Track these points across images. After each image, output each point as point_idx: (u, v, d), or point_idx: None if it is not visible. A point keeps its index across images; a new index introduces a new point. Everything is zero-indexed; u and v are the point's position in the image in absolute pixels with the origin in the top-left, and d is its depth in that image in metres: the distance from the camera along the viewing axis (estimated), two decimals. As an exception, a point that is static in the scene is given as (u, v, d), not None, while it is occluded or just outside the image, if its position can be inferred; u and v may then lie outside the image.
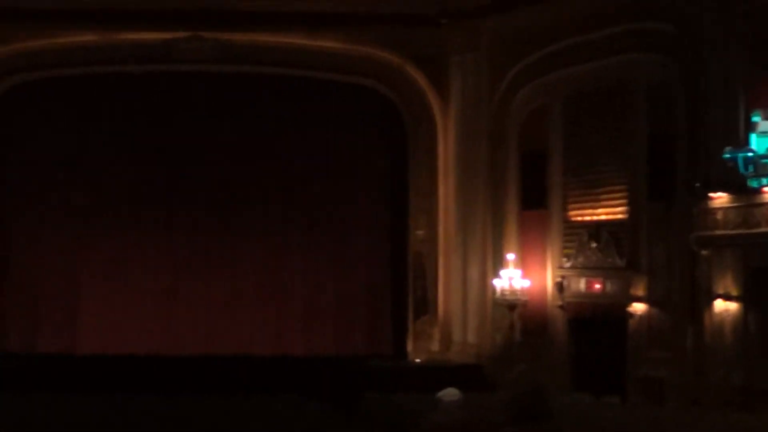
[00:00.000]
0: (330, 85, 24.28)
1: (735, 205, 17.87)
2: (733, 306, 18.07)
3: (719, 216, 18.13)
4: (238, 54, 23.65)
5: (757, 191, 17.33)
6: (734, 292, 18.07)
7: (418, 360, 23.15)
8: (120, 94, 24.10)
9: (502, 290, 21.70)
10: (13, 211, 24.30)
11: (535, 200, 22.54)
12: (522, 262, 22.10)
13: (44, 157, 24.27)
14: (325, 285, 24.50)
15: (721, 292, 18.23)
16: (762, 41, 18.21)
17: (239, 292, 24.25)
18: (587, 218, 21.78)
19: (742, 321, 17.97)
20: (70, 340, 24.02)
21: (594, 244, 21.41)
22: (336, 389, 19.11)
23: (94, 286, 24.21)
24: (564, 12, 21.30)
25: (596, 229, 21.47)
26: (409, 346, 23.60)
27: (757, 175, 17.21)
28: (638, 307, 20.62)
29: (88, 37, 23.28)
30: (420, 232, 23.71)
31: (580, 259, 21.62)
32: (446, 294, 23.29)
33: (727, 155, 17.44)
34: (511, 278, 21.69)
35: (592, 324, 21.37)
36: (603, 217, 21.58)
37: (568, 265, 21.82)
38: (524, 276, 21.80)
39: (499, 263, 22.21)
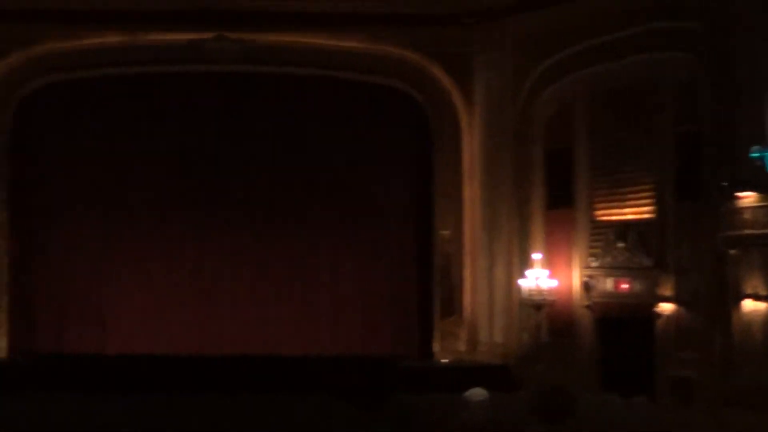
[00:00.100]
0: (355, 85, 24.29)
1: (763, 204, 17.76)
2: (761, 306, 17.95)
3: (747, 215, 18.03)
4: (263, 54, 23.68)
5: (785, 190, 17.26)
6: (763, 292, 17.95)
7: (444, 360, 23.10)
8: (146, 95, 24.17)
9: (529, 290, 21.63)
10: (41, 212, 24.39)
11: (561, 199, 22.47)
12: (548, 262, 22.04)
13: (71, 157, 24.37)
14: (352, 285, 24.50)
15: (749, 291, 18.11)
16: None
17: (267, 292, 24.28)
18: (614, 218, 21.69)
19: (770, 321, 17.88)
20: (99, 340, 24.10)
21: (621, 244, 21.33)
22: (363, 389, 19.05)
23: (123, 286, 24.28)
24: (589, 11, 21.23)
25: (623, 228, 21.39)
26: (436, 347, 23.56)
27: (785, 174, 17.14)
28: (666, 307, 20.53)
29: (114, 39, 23.34)
30: (446, 232, 23.66)
31: (607, 259, 21.53)
32: (472, 294, 23.23)
33: (755, 154, 17.33)
34: (538, 278, 21.62)
35: (620, 324, 21.28)
36: (630, 217, 21.49)
37: (594, 264, 21.74)
38: (551, 276, 21.73)
39: (525, 263, 22.15)
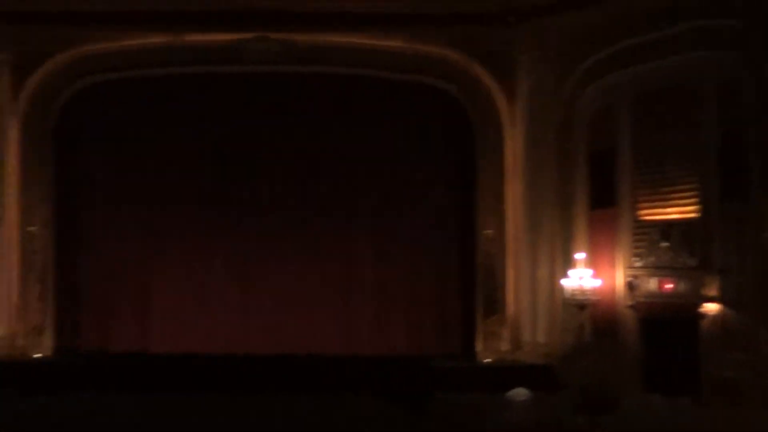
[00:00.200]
0: (397, 85, 24.25)
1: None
2: (808, 305, 17.84)
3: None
4: (305, 54, 23.71)
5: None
6: (808, 291, 17.85)
7: (487, 360, 23.04)
8: (187, 95, 24.28)
9: (572, 290, 21.55)
10: (84, 212, 24.57)
11: (604, 199, 22.38)
12: (591, 262, 21.93)
13: (114, 157, 24.56)
14: (394, 285, 24.48)
15: (795, 291, 18.02)
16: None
17: (310, 292, 24.31)
18: (658, 217, 21.57)
19: (817, 321, 17.75)
20: (142, 339, 24.24)
21: (665, 244, 21.22)
22: (405, 389, 19.09)
23: (167, 286, 24.41)
24: (632, 9, 21.13)
25: (667, 228, 21.28)
26: (479, 346, 23.50)
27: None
28: (710, 307, 20.41)
29: (157, 39, 23.47)
30: (489, 232, 23.59)
31: (651, 259, 21.43)
32: (515, 294, 23.17)
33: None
34: (581, 278, 21.53)
35: (664, 324, 21.17)
36: (674, 216, 21.37)
37: (638, 264, 21.64)
38: (594, 276, 21.64)
39: (568, 263, 22.05)
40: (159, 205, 24.44)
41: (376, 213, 24.52)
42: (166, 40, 23.51)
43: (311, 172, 24.48)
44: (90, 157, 24.62)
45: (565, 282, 21.73)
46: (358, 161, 24.44)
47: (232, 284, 24.39)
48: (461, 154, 24.51)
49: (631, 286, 21.62)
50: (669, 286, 21.16)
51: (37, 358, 22.94)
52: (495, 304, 23.35)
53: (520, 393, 10.11)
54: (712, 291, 20.37)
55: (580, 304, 21.56)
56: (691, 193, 21.09)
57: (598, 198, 22.63)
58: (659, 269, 21.33)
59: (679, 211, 21.29)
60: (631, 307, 21.68)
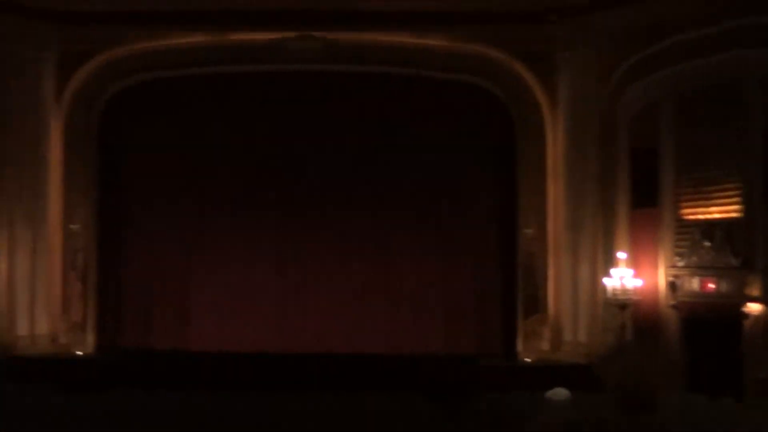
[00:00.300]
0: (437, 83, 24.23)
1: None
2: None
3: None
4: (346, 53, 23.74)
5: None
6: None
7: (528, 359, 22.97)
8: (229, 94, 24.38)
9: (613, 289, 21.44)
10: (127, 211, 24.72)
11: (645, 198, 22.27)
12: (633, 261, 21.83)
13: (156, 156, 24.65)
14: (434, 284, 24.46)
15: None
16: None
17: (348, 290, 24.32)
18: (700, 216, 21.45)
19: None
20: (183, 337, 24.35)
21: (707, 243, 21.09)
22: (445, 388, 19.08)
23: (206, 285, 24.49)
24: (675, 7, 20.97)
25: (709, 227, 21.15)
26: (519, 346, 23.42)
27: None
28: (754, 308, 20.27)
29: (199, 39, 23.57)
30: (529, 231, 23.51)
31: (693, 258, 21.31)
32: (556, 293, 23.08)
33: None
34: (623, 277, 21.42)
35: (706, 324, 21.04)
36: (716, 216, 21.24)
37: (680, 264, 21.52)
38: (636, 275, 21.52)
39: (609, 262, 21.93)
40: (200, 203, 24.55)
41: (417, 211, 24.48)
42: (209, 39, 23.61)
43: (351, 171, 24.48)
44: (132, 155, 24.75)
45: (606, 281, 21.63)
46: (399, 160, 24.41)
47: (272, 283, 24.44)
48: (502, 153, 24.42)
49: (673, 286, 21.51)
50: (711, 286, 21.03)
51: (79, 356, 23.08)
52: (536, 304, 23.26)
53: (559, 393, 10.06)
54: (755, 291, 20.25)
55: (621, 304, 21.42)
56: (734, 192, 20.95)
57: (639, 197, 22.52)
58: (701, 269, 21.20)
59: (722, 210, 21.16)
60: (673, 307, 21.57)
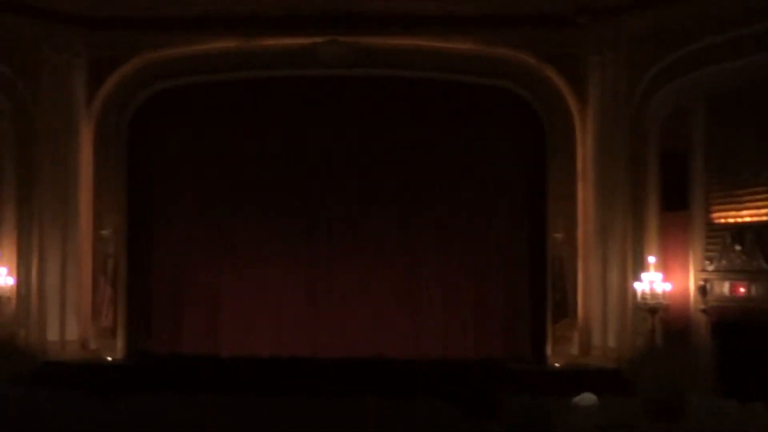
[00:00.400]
0: (467, 87, 24.22)
1: None
2: None
3: None
4: (376, 58, 23.75)
5: None
6: None
7: (557, 364, 22.91)
8: (258, 99, 24.44)
9: (643, 294, 21.35)
10: (156, 215, 24.83)
11: (676, 201, 22.13)
12: (663, 265, 21.72)
13: (186, 162, 24.78)
14: (463, 288, 24.43)
15: None
16: None
17: (377, 294, 24.34)
18: (731, 220, 21.30)
19: None
20: (213, 342, 24.42)
21: (738, 247, 20.94)
22: (474, 392, 19.03)
23: (236, 289, 24.57)
24: (705, 10, 20.84)
25: (740, 231, 20.99)
26: (548, 350, 23.37)
27: None
28: (786, 312, 20.16)
29: (228, 44, 23.62)
30: (558, 235, 23.45)
31: (724, 262, 21.16)
32: (586, 297, 22.99)
33: None
34: (652, 281, 21.33)
35: (737, 328, 20.89)
36: (747, 219, 21.09)
37: (711, 268, 21.37)
38: (665, 279, 21.43)
39: (639, 266, 21.84)
40: (229, 208, 24.63)
41: (445, 215, 24.46)
42: (238, 44, 23.66)
43: (380, 175, 24.49)
44: (162, 161, 24.86)
45: (636, 285, 21.54)
46: (428, 164, 24.41)
47: (301, 288, 24.48)
48: (531, 157, 24.38)
49: (703, 290, 21.38)
50: (742, 290, 20.88)
51: (109, 361, 23.18)
52: (565, 308, 23.20)
53: (587, 398, 10.01)
54: (787, 295, 20.14)
55: (651, 308, 21.33)
56: (765, 196, 20.78)
57: (670, 200, 22.38)
58: (732, 273, 21.05)
59: (753, 213, 21.00)
60: (704, 311, 21.44)
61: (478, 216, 24.49)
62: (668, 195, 22.37)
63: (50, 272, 22.99)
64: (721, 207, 21.50)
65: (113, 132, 24.23)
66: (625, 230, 22.37)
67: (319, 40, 23.43)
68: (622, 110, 22.50)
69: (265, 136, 24.58)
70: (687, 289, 21.70)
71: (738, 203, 21.26)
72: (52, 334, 22.99)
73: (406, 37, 23.48)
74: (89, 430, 13.99)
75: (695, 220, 21.82)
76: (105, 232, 23.70)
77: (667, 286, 21.33)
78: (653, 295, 21.25)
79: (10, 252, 22.65)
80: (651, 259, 21.59)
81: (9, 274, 22.33)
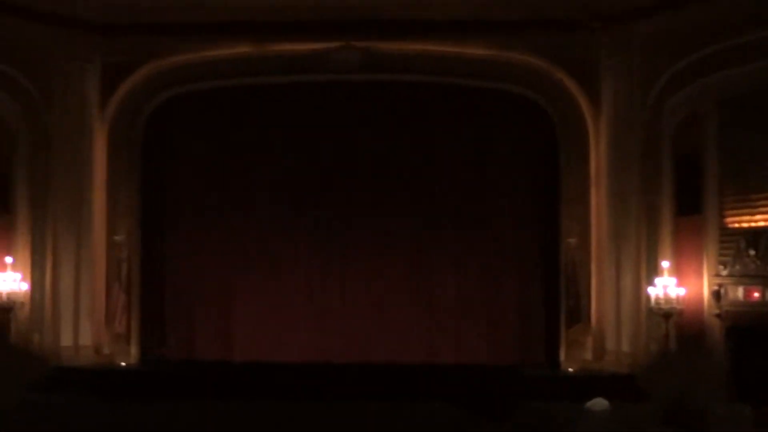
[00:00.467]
0: (479, 92, 24.20)
1: None
2: None
3: None
4: (388, 63, 23.76)
5: None
6: None
7: (570, 369, 22.87)
8: (271, 105, 24.46)
9: (657, 298, 21.32)
10: (170, 221, 24.86)
11: (690, 206, 22.08)
12: (677, 270, 21.68)
13: (200, 167, 24.82)
14: (475, 293, 24.39)
15: None
16: None
17: (389, 301, 24.32)
18: (745, 225, 21.26)
19: None
20: (227, 347, 24.44)
21: (752, 252, 20.89)
22: (488, 398, 19.01)
23: (249, 295, 24.58)
24: (718, 14, 20.81)
25: (754, 235, 20.94)
26: (562, 355, 23.33)
27: None
28: (799, 317, 20.09)
29: (242, 50, 23.65)
30: (572, 240, 23.41)
31: (737, 267, 21.11)
32: (599, 302, 22.95)
33: None
34: (666, 286, 21.30)
35: (751, 334, 20.85)
36: (761, 224, 21.05)
37: (724, 273, 21.32)
38: (679, 284, 21.39)
39: (653, 271, 21.80)
40: (242, 214, 24.63)
41: (458, 220, 24.44)
42: (251, 49, 23.69)
43: (393, 180, 24.47)
44: (175, 166, 24.90)
45: (649, 290, 21.50)
46: (440, 169, 24.42)
47: (314, 293, 24.48)
48: (544, 162, 24.35)
49: (717, 295, 21.32)
50: (756, 294, 20.83)
51: (123, 367, 23.21)
52: (578, 313, 23.15)
53: (599, 403, 9.97)
54: (800, 300, 20.08)
55: (665, 313, 21.30)
56: (780, 200, 20.79)
57: (683, 205, 22.33)
58: (746, 278, 21.00)
59: (767, 218, 20.96)
60: (718, 316, 21.38)
61: (491, 221, 24.46)
62: (682, 199, 22.33)
63: (64, 277, 23.04)
64: (735, 211, 21.44)
65: (126, 137, 24.27)
66: (638, 235, 22.33)
67: (332, 45, 23.46)
68: (636, 115, 22.46)
69: (278, 141, 24.58)
70: (701, 293, 21.65)
71: (752, 208, 21.21)
72: (66, 340, 23.03)
73: (419, 42, 23.48)
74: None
75: (709, 225, 21.75)
76: (118, 238, 23.74)
77: (681, 291, 21.30)
78: (667, 299, 21.23)
79: (23, 257, 22.72)
80: (665, 264, 21.55)
81: (23, 279, 22.38)
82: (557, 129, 24.09)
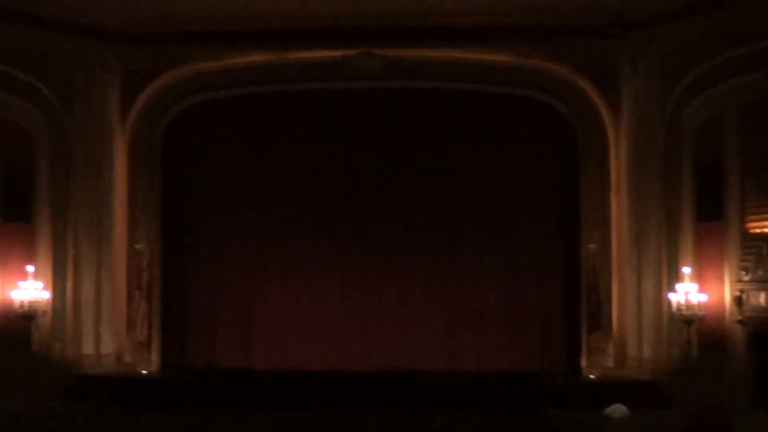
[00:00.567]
0: (500, 98, 24.20)
1: None
2: None
3: None
4: (408, 70, 23.79)
5: None
6: None
7: (592, 376, 22.81)
8: (291, 112, 24.46)
9: (678, 305, 21.25)
10: (191, 229, 24.90)
11: (711, 211, 21.97)
12: (698, 276, 21.59)
13: (220, 175, 24.85)
14: (496, 300, 24.36)
15: None
16: None
17: (411, 307, 24.31)
18: (766, 230, 21.16)
19: None
20: (248, 355, 24.46)
21: (774, 257, 20.84)
22: (510, 405, 18.96)
23: (270, 303, 24.59)
24: (737, 18, 20.76)
25: (775, 241, 20.90)
26: (583, 362, 23.27)
27: None
28: (821, 322, 19.99)
29: (261, 57, 23.72)
30: (592, 246, 23.36)
31: (759, 273, 20.99)
32: (620, 309, 22.90)
33: None
34: (687, 292, 21.22)
35: (774, 339, 20.78)
36: (783, 229, 21.01)
37: (746, 278, 21.21)
38: (701, 290, 21.30)
39: (674, 277, 21.73)
40: (262, 221, 24.65)
41: (478, 227, 24.42)
42: (271, 57, 23.75)
43: (413, 187, 24.46)
44: (196, 174, 24.95)
45: (671, 296, 21.43)
46: (461, 175, 24.38)
47: (336, 301, 24.47)
48: (565, 167, 24.32)
49: (739, 301, 21.22)
50: (778, 300, 20.77)
51: (144, 375, 23.25)
52: (599, 319, 23.08)
53: (618, 409, 9.95)
54: (822, 305, 19.99)
55: (686, 319, 21.22)
56: (802, 205, 20.71)
57: (704, 211, 22.22)
58: (768, 283, 20.95)
59: (789, 223, 20.92)
60: (740, 322, 21.27)
61: (512, 228, 24.42)
62: (703, 205, 22.21)
63: (85, 286, 23.13)
64: (757, 217, 21.32)
65: (147, 146, 24.37)
66: (659, 241, 22.28)
67: (352, 52, 23.49)
68: (656, 120, 22.42)
69: (299, 149, 24.60)
70: (722, 299, 21.54)
71: (774, 213, 21.15)
72: (88, 348, 23.13)
73: (439, 49, 23.51)
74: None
75: (730, 230, 21.64)
76: (139, 246, 23.81)
77: (703, 297, 21.21)
78: (688, 305, 21.15)
79: (45, 266, 22.81)
80: (686, 270, 21.47)
81: (44, 288, 22.46)
82: (577, 135, 24.06)
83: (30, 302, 22.03)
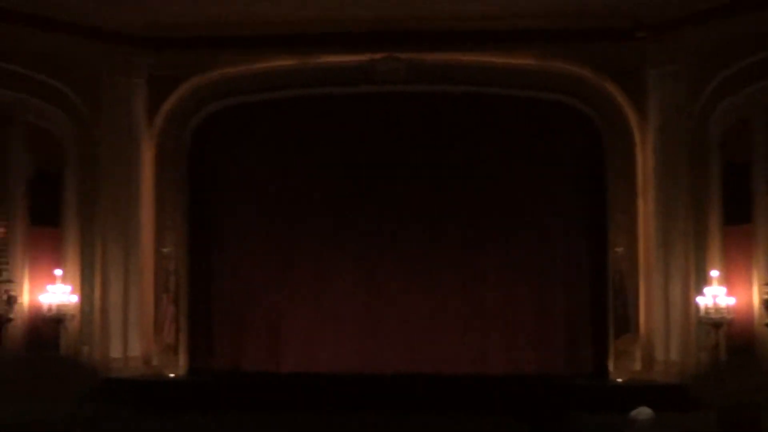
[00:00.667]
0: (525, 102, 24.14)
1: None
2: None
3: None
4: (433, 74, 23.79)
5: None
6: None
7: (619, 379, 22.72)
8: (316, 116, 24.49)
9: (706, 308, 21.15)
10: (218, 233, 24.96)
11: (739, 214, 21.84)
12: (726, 279, 21.48)
13: (247, 179, 24.91)
14: (524, 303, 24.29)
15: None
16: None
17: (438, 311, 24.25)
18: (795, 233, 21.09)
19: None
20: (275, 358, 24.49)
21: (802, 260, 20.73)
22: (537, 409, 18.89)
23: (297, 306, 24.60)
24: (764, 22, 20.66)
25: (804, 244, 20.78)
26: (610, 365, 23.16)
27: None
28: None
29: (286, 62, 23.79)
30: (619, 249, 23.28)
31: (788, 276, 20.94)
32: (648, 312, 22.82)
33: None
34: (715, 296, 21.12)
35: (803, 343, 20.66)
36: (812, 232, 20.88)
37: (775, 282, 21.15)
38: (729, 293, 21.20)
39: (702, 280, 21.61)
40: (289, 225, 24.69)
41: (504, 231, 24.38)
42: (297, 62, 23.80)
43: (439, 191, 24.40)
44: (222, 179, 25.03)
45: (699, 300, 21.34)
46: (486, 179, 24.34)
47: (362, 304, 24.47)
48: (591, 171, 24.24)
49: (767, 305, 21.12)
50: (807, 303, 20.64)
51: (172, 378, 23.31)
52: (627, 323, 23.01)
53: (643, 412, 9.90)
54: None
55: (714, 323, 21.12)
56: (829, 208, 20.58)
57: (732, 213, 22.10)
58: (797, 287, 20.83)
59: (818, 226, 20.79)
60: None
61: (538, 230, 24.38)
62: (730, 208, 22.09)
63: (113, 290, 23.23)
64: (785, 219, 21.24)
65: (174, 150, 24.43)
66: (686, 244, 22.18)
67: (377, 56, 23.52)
68: (683, 123, 22.33)
69: (325, 153, 24.60)
70: (751, 303, 21.42)
71: (803, 216, 21.03)
72: (115, 351, 23.22)
73: (464, 53, 23.51)
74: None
75: (758, 234, 21.50)
76: (166, 250, 23.89)
77: (731, 300, 21.10)
78: (717, 309, 21.04)
79: (73, 270, 22.91)
80: (714, 273, 21.37)
81: (72, 291, 22.56)
82: (603, 138, 23.97)
83: (58, 306, 22.13)
